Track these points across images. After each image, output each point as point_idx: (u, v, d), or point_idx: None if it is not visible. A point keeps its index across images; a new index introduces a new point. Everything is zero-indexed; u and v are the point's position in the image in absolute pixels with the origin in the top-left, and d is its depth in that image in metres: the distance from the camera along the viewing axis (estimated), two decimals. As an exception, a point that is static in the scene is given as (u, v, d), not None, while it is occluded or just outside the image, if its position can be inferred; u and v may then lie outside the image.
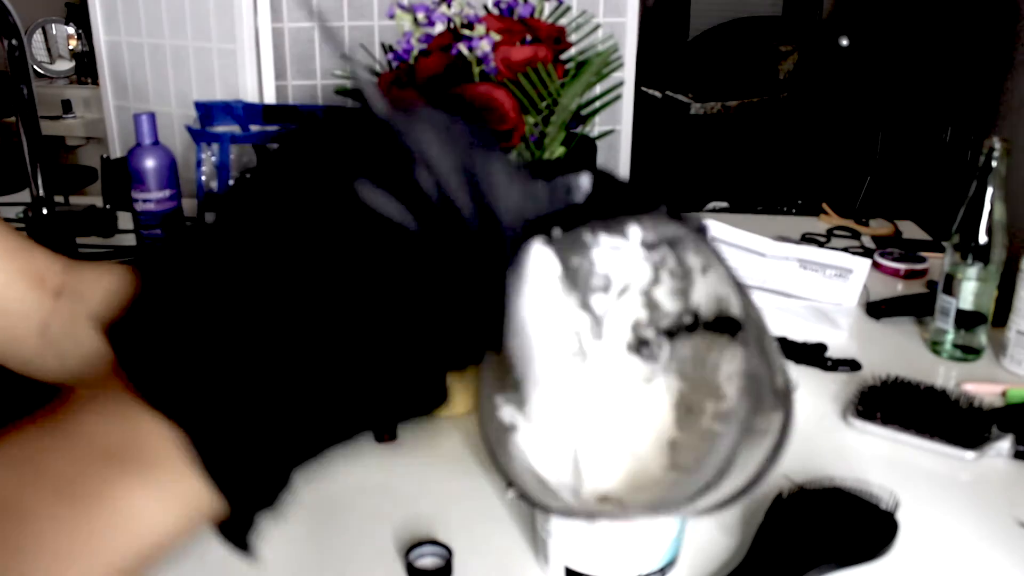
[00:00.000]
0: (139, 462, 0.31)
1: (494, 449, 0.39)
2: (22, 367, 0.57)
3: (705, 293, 0.41)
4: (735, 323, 0.40)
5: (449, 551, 0.66)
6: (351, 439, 0.33)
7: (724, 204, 3.07)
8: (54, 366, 0.57)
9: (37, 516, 0.30)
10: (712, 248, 0.39)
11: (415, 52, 0.94)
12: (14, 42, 1.10)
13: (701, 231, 0.38)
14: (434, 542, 0.67)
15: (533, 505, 0.38)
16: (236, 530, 0.32)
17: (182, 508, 0.32)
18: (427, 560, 0.66)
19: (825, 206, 1.57)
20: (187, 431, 0.30)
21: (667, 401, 0.42)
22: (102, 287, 0.57)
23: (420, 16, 0.93)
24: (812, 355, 1.03)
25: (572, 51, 0.97)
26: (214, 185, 1.13)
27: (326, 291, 0.30)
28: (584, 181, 0.36)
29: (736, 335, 0.40)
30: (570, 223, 0.37)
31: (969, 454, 0.83)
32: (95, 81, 2.31)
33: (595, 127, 2.12)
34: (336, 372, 0.31)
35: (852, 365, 1.01)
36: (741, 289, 0.38)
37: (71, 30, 3.81)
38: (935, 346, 1.06)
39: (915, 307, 1.16)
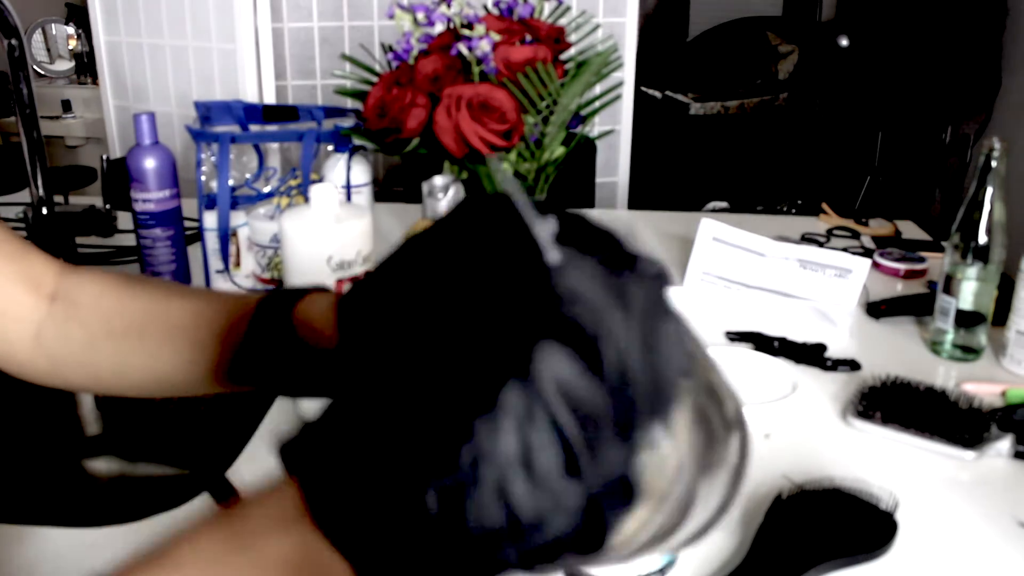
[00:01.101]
0: None
1: None
2: (14, 369, 0.57)
3: None
4: None
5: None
6: None
7: (724, 204, 3.07)
8: (45, 369, 0.57)
9: None
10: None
11: (415, 52, 0.94)
12: (14, 42, 1.10)
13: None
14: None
15: None
16: None
17: None
18: None
19: (825, 206, 1.57)
20: (363, 570, 0.30)
21: None
22: (96, 292, 0.57)
23: (420, 16, 0.93)
24: (812, 355, 1.03)
25: (572, 51, 0.97)
26: (214, 185, 1.13)
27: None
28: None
29: None
30: None
31: (969, 454, 0.83)
32: (95, 81, 2.31)
33: (595, 127, 2.12)
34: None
35: (852, 365, 1.01)
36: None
37: (71, 30, 3.82)
38: (935, 346, 1.06)
39: (915, 307, 1.16)
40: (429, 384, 0.30)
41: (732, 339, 1.09)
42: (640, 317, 0.31)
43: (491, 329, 0.30)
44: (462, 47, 0.89)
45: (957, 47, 2.86)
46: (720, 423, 0.39)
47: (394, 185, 2.20)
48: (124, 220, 1.42)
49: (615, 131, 2.17)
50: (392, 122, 0.90)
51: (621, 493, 0.31)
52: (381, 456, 0.30)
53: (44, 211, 1.18)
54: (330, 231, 0.88)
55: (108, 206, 1.43)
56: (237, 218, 1.14)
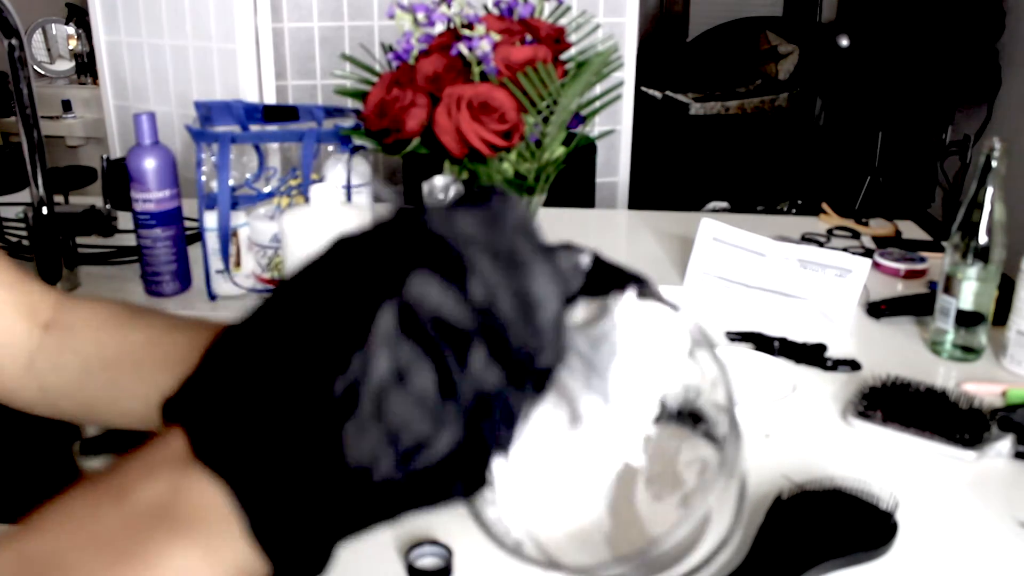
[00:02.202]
0: (188, 525, 0.31)
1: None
2: (3, 396, 0.57)
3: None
4: (697, 415, 0.40)
5: (449, 551, 0.66)
6: (394, 520, 0.33)
7: (724, 204, 3.07)
8: (35, 397, 0.57)
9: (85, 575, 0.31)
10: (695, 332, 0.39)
11: (415, 52, 0.94)
12: (14, 42, 1.10)
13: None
14: (434, 542, 0.67)
15: (485, 530, 0.39)
16: None
17: (228, 572, 0.32)
18: (427, 560, 0.66)
19: (825, 206, 1.57)
20: (243, 496, 0.31)
21: (637, 479, 0.41)
22: (91, 326, 0.57)
23: (420, 16, 0.93)
24: (812, 355, 1.03)
25: (572, 51, 0.97)
26: (214, 185, 1.13)
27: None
28: (585, 259, 0.37)
29: (697, 425, 0.40)
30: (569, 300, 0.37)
31: (969, 454, 0.83)
32: (95, 81, 2.31)
33: (595, 127, 2.12)
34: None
35: (852, 365, 1.01)
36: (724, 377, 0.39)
37: (71, 30, 3.81)
38: (935, 346, 1.06)
39: (915, 307, 1.16)
40: (305, 319, 0.32)
41: (732, 339, 1.09)
42: (506, 254, 0.32)
43: (365, 266, 0.32)
44: (462, 47, 0.89)
45: (957, 47, 2.86)
46: (728, 475, 0.40)
47: (394, 185, 2.20)
48: (124, 220, 1.41)
49: (615, 131, 2.17)
50: (392, 122, 0.90)
51: (501, 415, 0.32)
52: (260, 388, 0.31)
53: (44, 211, 1.18)
54: (330, 231, 0.88)
55: (108, 206, 1.43)
56: (237, 218, 1.14)
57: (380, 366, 0.30)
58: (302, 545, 0.32)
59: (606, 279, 0.38)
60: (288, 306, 0.33)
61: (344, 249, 0.33)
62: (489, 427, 0.32)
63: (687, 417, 0.40)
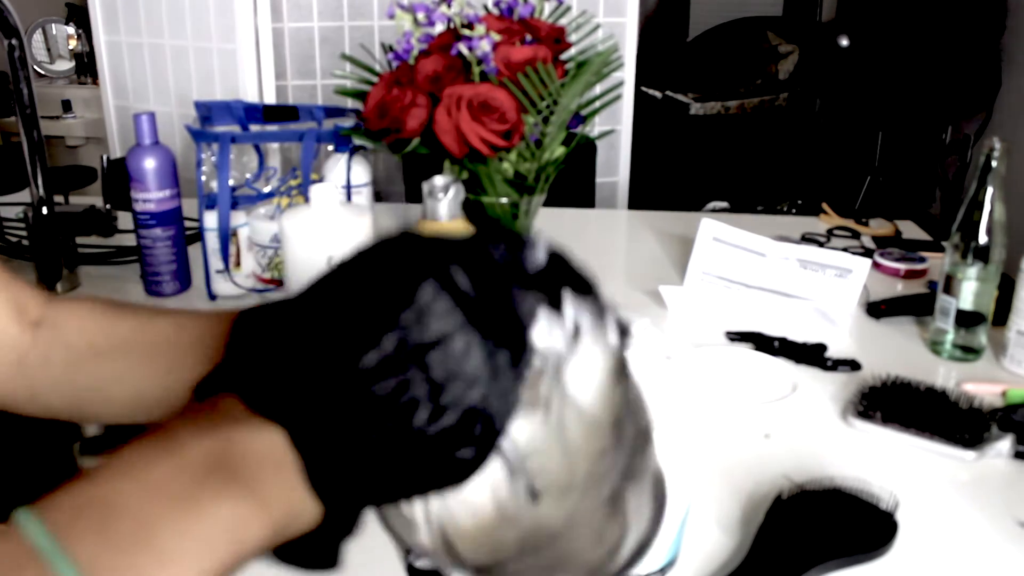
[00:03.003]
0: (241, 474, 0.34)
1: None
2: None
3: (610, 400, 0.42)
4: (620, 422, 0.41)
5: (449, 551, 0.66)
6: (421, 490, 0.37)
7: (724, 204, 3.07)
8: (25, 397, 0.57)
9: (146, 521, 0.33)
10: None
11: (415, 52, 0.94)
12: (14, 42, 1.10)
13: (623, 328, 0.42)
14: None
15: (390, 532, 0.42)
16: (318, 548, 0.37)
17: (278, 519, 0.35)
18: (427, 560, 0.66)
19: (825, 206, 1.57)
20: (301, 441, 0.34)
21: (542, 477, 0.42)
22: (80, 318, 0.57)
23: (420, 16, 0.93)
24: (812, 355, 1.03)
25: (572, 51, 0.97)
26: (214, 185, 1.13)
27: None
28: (540, 255, 0.39)
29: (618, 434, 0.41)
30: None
31: (969, 454, 0.83)
32: (95, 81, 2.31)
33: (595, 127, 2.12)
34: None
35: (852, 365, 1.01)
36: (631, 386, 0.41)
37: (71, 30, 3.82)
38: (935, 346, 1.06)
39: (915, 307, 1.16)
40: (350, 295, 0.36)
41: (732, 339, 1.09)
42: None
43: (404, 256, 0.37)
44: (462, 47, 0.89)
45: (957, 47, 2.86)
46: (636, 433, 0.41)
47: (394, 185, 2.20)
48: (124, 220, 1.41)
49: (615, 131, 2.17)
50: (392, 122, 0.90)
51: (509, 388, 0.37)
52: (314, 349, 0.35)
53: (44, 211, 1.18)
54: (330, 231, 0.88)
55: (108, 206, 1.43)
56: (237, 218, 1.14)
57: (429, 325, 0.35)
58: (350, 493, 0.35)
59: (561, 278, 0.41)
60: (329, 290, 0.37)
61: (373, 251, 0.38)
62: (501, 389, 0.36)
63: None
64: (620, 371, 0.41)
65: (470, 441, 0.36)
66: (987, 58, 2.92)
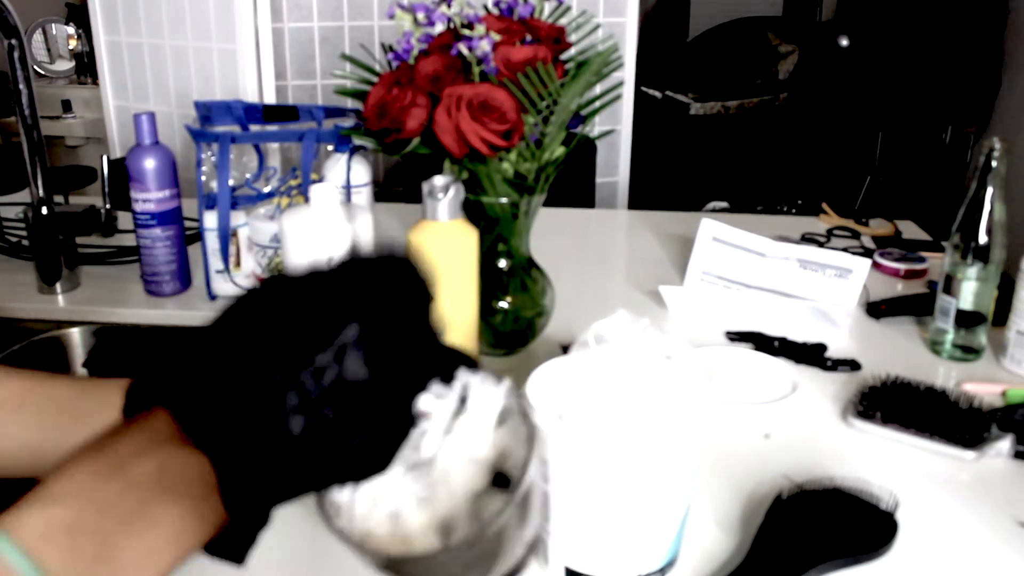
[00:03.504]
0: (179, 491, 0.40)
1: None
2: None
3: (493, 443, 0.50)
4: (506, 479, 0.49)
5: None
6: (320, 489, 0.45)
7: (724, 204, 3.07)
8: None
9: (107, 538, 0.38)
10: (524, 409, 0.50)
11: (415, 52, 0.94)
12: (14, 42, 1.10)
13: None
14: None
15: (324, 516, 0.47)
16: (233, 544, 0.44)
17: (211, 523, 0.42)
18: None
19: (825, 206, 1.57)
20: (220, 467, 0.40)
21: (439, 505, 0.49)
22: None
23: (420, 16, 0.93)
24: (812, 355, 1.03)
25: (572, 51, 0.97)
26: (214, 185, 1.13)
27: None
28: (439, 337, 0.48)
29: (506, 487, 0.48)
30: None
31: (969, 454, 0.83)
32: (95, 81, 2.31)
33: (595, 127, 2.12)
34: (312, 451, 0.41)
35: (852, 365, 1.01)
36: (531, 449, 0.48)
37: (71, 30, 3.82)
38: (935, 346, 1.06)
39: (915, 307, 1.16)
40: (272, 325, 0.42)
41: (732, 339, 1.09)
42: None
43: (326, 294, 0.43)
44: (462, 47, 0.89)
45: (957, 47, 2.86)
46: (515, 542, 0.50)
47: (394, 185, 2.20)
48: (124, 220, 1.41)
49: (615, 131, 2.17)
50: (392, 122, 0.90)
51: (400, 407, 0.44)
52: (235, 380, 0.40)
53: (44, 211, 1.18)
54: (330, 231, 0.88)
55: (108, 206, 1.43)
56: (237, 218, 1.14)
57: (344, 370, 0.41)
58: (258, 507, 0.43)
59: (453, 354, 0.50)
60: (253, 316, 0.42)
61: (305, 285, 0.43)
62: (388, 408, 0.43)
63: (499, 478, 0.49)
64: (500, 422, 0.50)
65: (360, 474, 0.44)
66: (987, 58, 2.92)
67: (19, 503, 0.38)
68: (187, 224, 1.25)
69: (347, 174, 1.15)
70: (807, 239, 1.44)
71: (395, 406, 0.44)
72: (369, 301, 0.43)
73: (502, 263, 1.00)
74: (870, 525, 0.70)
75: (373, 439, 0.43)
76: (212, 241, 1.14)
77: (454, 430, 0.49)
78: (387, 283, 0.44)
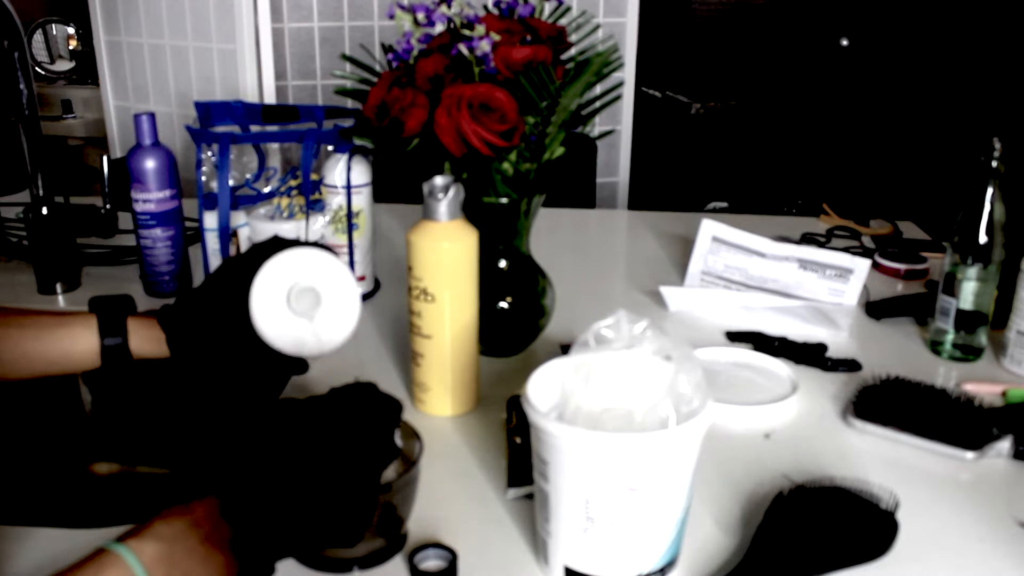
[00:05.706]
0: (222, 547, 0.55)
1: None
2: None
3: None
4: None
5: (453, 554, 0.66)
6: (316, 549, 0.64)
7: (724, 204, 3.07)
8: None
9: (190, 573, 0.54)
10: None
11: (415, 52, 0.94)
12: (14, 42, 1.10)
13: None
14: (438, 545, 0.67)
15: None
16: None
17: (234, 572, 0.56)
18: (431, 563, 0.66)
19: (825, 206, 1.57)
20: (236, 528, 0.55)
21: None
22: None
23: (420, 16, 0.93)
24: (812, 355, 1.03)
25: (572, 51, 0.97)
26: (214, 185, 1.13)
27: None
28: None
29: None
30: None
31: (969, 454, 0.83)
32: (95, 81, 2.31)
33: (595, 127, 2.12)
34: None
35: (852, 365, 1.01)
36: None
37: (71, 30, 3.82)
38: (935, 346, 1.06)
39: (915, 307, 1.16)
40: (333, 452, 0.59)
41: (732, 339, 1.09)
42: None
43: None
44: (462, 47, 0.89)
45: (957, 47, 2.86)
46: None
47: (394, 185, 2.20)
48: (124, 220, 1.41)
49: (615, 131, 2.17)
50: (392, 122, 0.90)
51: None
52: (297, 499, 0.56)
53: (44, 211, 1.18)
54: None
55: (108, 206, 1.43)
56: (237, 218, 1.14)
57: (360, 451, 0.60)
58: (268, 557, 0.58)
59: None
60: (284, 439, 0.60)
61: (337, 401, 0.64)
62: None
63: None
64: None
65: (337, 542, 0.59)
66: (987, 57, 2.91)
67: (138, 532, 0.52)
68: (187, 224, 1.24)
69: (347, 174, 1.15)
70: (807, 239, 1.44)
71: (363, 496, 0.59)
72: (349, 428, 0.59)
73: (502, 263, 1.01)
74: (870, 525, 0.70)
75: (346, 519, 0.58)
76: (212, 241, 1.14)
77: None
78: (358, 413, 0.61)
